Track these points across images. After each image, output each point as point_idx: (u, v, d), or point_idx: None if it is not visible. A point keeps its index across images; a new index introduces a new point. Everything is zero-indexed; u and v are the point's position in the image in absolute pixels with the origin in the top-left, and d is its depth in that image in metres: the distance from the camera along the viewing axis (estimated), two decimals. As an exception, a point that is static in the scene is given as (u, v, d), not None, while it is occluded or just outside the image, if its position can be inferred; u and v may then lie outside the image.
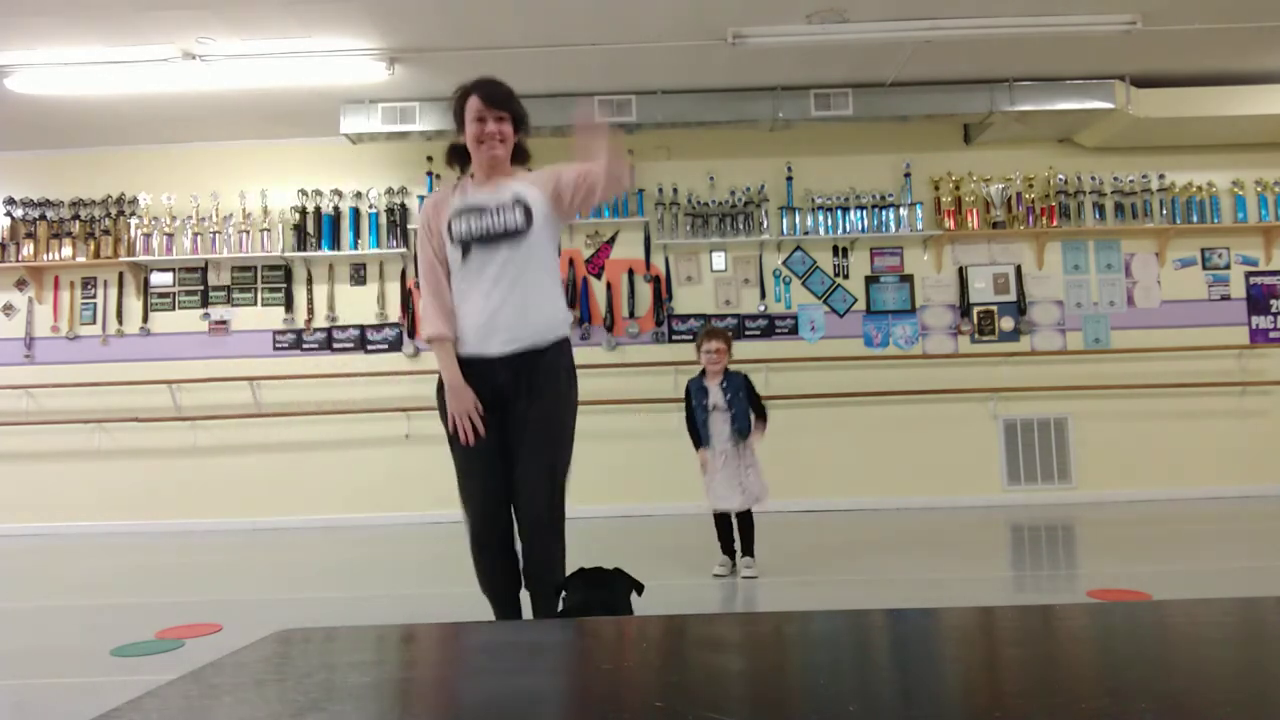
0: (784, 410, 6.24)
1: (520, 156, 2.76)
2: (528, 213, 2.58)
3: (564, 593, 2.56)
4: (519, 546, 2.70)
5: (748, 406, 4.11)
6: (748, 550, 4.11)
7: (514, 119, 2.64)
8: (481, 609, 2.80)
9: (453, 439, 2.63)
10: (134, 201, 6.50)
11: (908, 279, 6.48)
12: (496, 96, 2.60)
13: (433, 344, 2.63)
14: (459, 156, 2.73)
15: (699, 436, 4.17)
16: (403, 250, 6.36)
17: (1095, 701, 0.85)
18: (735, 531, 4.14)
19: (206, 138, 6.46)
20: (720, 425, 4.10)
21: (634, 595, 2.58)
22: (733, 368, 4.22)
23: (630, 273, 6.43)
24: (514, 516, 2.67)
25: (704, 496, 4.17)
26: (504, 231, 2.55)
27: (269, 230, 6.42)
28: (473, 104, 2.58)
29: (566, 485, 2.68)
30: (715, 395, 4.11)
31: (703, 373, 4.19)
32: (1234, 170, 6.45)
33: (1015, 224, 6.39)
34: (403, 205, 6.42)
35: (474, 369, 2.57)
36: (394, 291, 6.48)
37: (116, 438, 6.40)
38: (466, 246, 2.57)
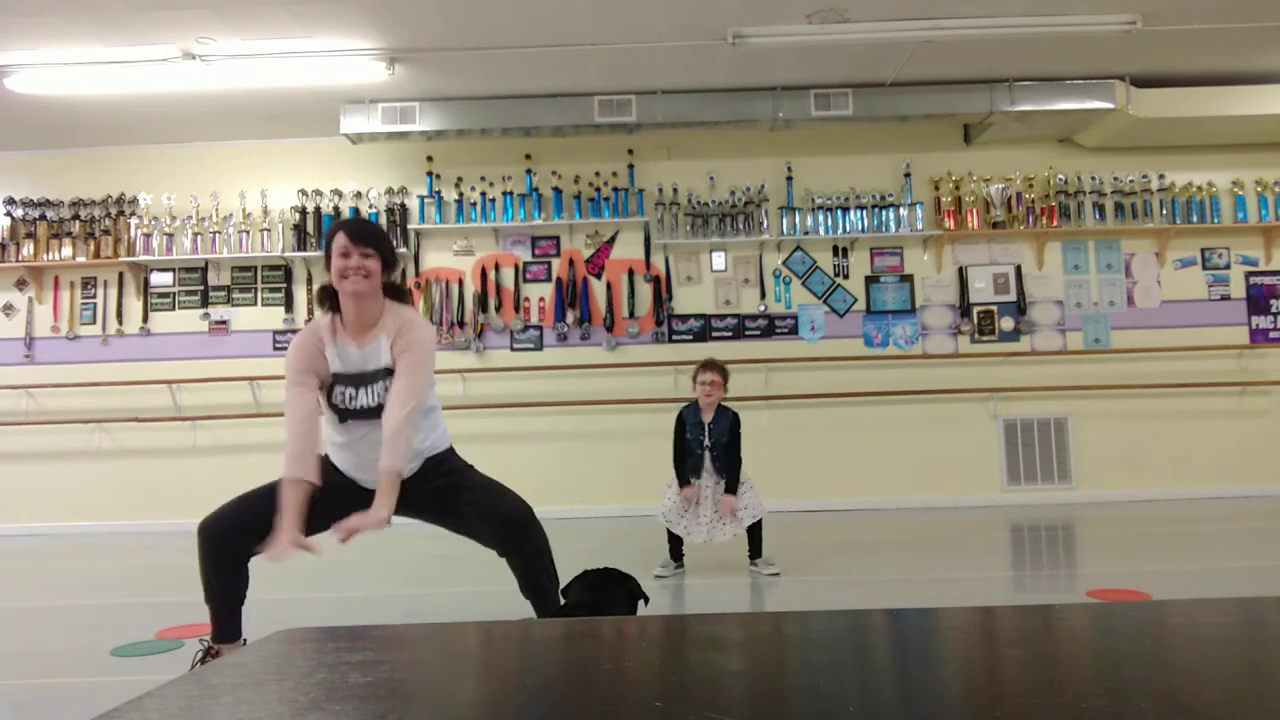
0: (784, 410, 6.25)
1: (396, 295, 2.68)
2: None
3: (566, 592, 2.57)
4: (515, 560, 2.68)
5: (728, 453, 4.06)
6: (757, 552, 4.11)
7: (382, 258, 2.56)
8: (481, 610, 2.80)
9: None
10: (134, 201, 6.50)
11: (908, 279, 6.48)
12: (363, 233, 2.55)
13: (287, 481, 2.44)
14: (328, 297, 2.62)
15: (684, 470, 4.13)
16: (403, 250, 6.35)
17: (1095, 701, 0.85)
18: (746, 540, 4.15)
19: (206, 138, 6.46)
20: (706, 463, 4.10)
21: (640, 604, 2.59)
22: (729, 403, 4.21)
23: (630, 273, 6.42)
24: (497, 537, 2.67)
25: (661, 514, 4.13)
26: (377, 409, 2.55)
27: (269, 230, 6.42)
28: (338, 240, 2.52)
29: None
30: (702, 434, 4.10)
31: (697, 403, 4.19)
32: (1234, 170, 6.45)
33: (1015, 224, 6.39)
34: (403, 205, 6.42)
35: (351, 489, 2.59)
36: (394, 291, 6.47)
37: (116, 438, 6.40)
38: (342, 416, 2.59)
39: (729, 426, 4.10)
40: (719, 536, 4.07)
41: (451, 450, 2.78)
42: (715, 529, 4.06)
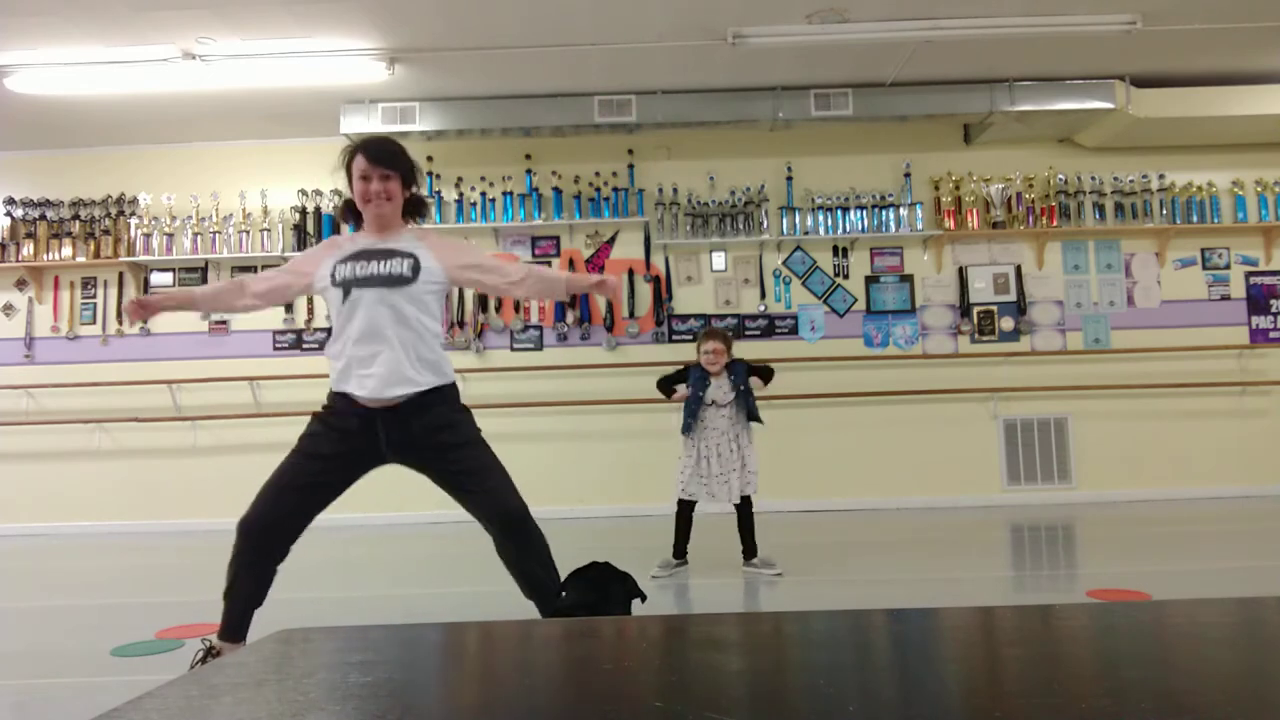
0: (784, 410, 6.24)
1: (416, 209, 2.76)
2: (415, 267, 2.59)
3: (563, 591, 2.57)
4: (510, 556, 2.67)
5: (749, 396, 4.13)
6: (752, 552, 4.11)
7: (402, 177, 2.63)
8: (481, 610, 2.80)
9: (302, 449, 2.62)
10: (134, 201, 6.50)
11: (908, 279, 6.48)
12: (382, 155, 2.60)
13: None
14: (352, 213, 2.73)
15: (668, 392, 4.21)
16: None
17: (1095, 701, 0.84)
18: (736, 531, 4.15)
19: (206, 138, 6.46)
20: (716, 420, 4.10)
21: (636, 601, 2.59)
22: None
23: (630, 273, 6.43)
24: (492, 529, 2.65)
25: (677, 488, 4.15)
26: (388, 277, 2.56)
27: (269, 230, 6.42)
28: (358, 162, 2.59)
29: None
30: (715, 392, 4.11)
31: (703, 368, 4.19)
32: (1234, 170, 6.45)
33: (1015, 224, 6.39)
34: (403, 205, 6.42)
35: (353, 417, 2.57)
36: (394, 291, 6.48)
37: (116, 438, 6.40)
38: (347, 289, 2.58)
39: (743, 372, 4.15)
40: (730, 495, 4.06)
41: (456, 390, 2.70)
42: (725, 486, 4.05)
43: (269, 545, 2.58)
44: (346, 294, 2.58)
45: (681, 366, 4.29)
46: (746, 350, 6.22)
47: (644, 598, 2.60)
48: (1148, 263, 6.47)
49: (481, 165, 6.43)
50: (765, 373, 4.21)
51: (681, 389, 4.18)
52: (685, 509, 4.17)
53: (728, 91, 5.89)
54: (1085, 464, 6.33)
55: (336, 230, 6.40)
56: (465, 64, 5.36)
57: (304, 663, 1.06)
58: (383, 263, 2.58)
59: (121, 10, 4.55)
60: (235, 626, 2.59)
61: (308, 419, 2.70)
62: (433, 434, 2.60)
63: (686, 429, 4.14)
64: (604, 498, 6.18)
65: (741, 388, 4.11)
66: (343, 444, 2.60)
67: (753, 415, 4.12)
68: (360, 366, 2.56)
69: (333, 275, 2.61)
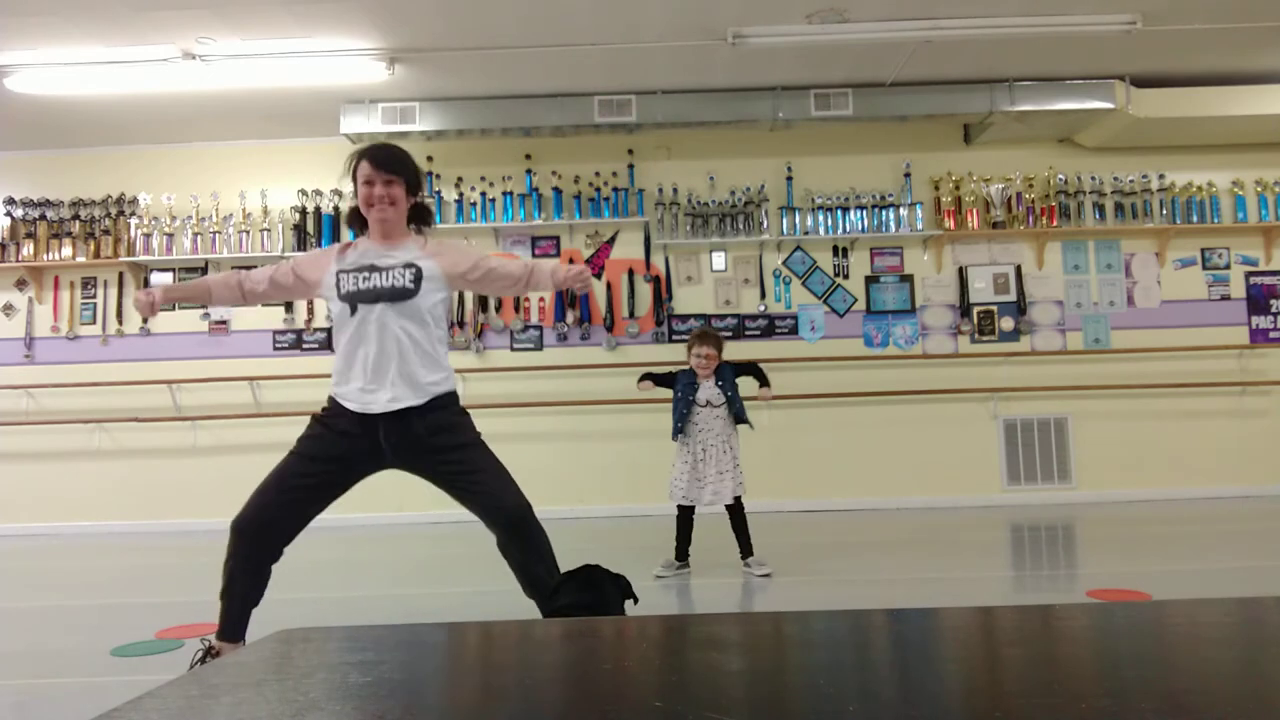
0: (784, 410, 6.25)
1: (420, 217, 2.77)
2: (418, 277, 2.60)
3: (556, 591, 2.57)
4: (513, 555, 2.67)
5: (738, 393, 4.15)
6: (748, 550, 4.11)
7: (406, 183, 2.65)
8: (481, 610, 2.79)
9: (301, 451, 2.64)
10: (134, 201, 6.50)
11: (908, 279, 6.48)
12: (386, 160, 2.63)
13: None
14: (357, 220, 2.74)
15: (651, 379, 4.19)
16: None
17: (1095, 701, 0.84)
18: (732, 532, 4.14)
19: (206, 138, 6.46)
20: (710, 421, 4.11)
21: (629, 602, 2.59)
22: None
23: (630, 273, 6.42)
24: (494, 528, 2.65)
25: (673, 494, 4.14)
26: (391, 290, 2.57)
27: (269, 230, 6.42)
28: (362, 168, 2.62)
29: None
30: (708, 393, 4.12)
31: (694, 371, 4.20)
32: (1234, 170, 6.45)
33: (1015, 224, 6.39)
34: (403, 205, 6.41)
35: (353, 421, 2.59)
36: (394, 291, 6.47)
37: (116, 438, 6.40)
38: (353, 304, 2.59)
39: (730, 374, 4.16)
40: (724, 495, 4.06)
41: (456, 394, 2.71)
42: (721, 486, 4.05)
43: (263, 545, 2.58)
44: (353, 309, 2.59)
45: (671, 371, 4.28)
46: (747, 351, 6.25)
47: (636, 600, 2.60)
48: (1148, 263, 6.47)
49: (481, 165, 6.43)
50: (756, 372, 4.21)
51: (650, 383, 4.17)
52: (685, 513, 4.17)
53: (728, 91, 5.89)
54: (1085, 464, 6.33)
55: (336, 231, 6.41)
56: (465, 64, 5.36)
57: (304, 663, 1.06)
58: (385, 275, 2.59)
59: (121, 10, 4.55)
60: (233, 626, 2.59)
61: (307, 419, 2.69)
62: (433, 436, 2.61)
63: (678, 433, 4.15)
64: (604, 498, 6.18)
65: (729, 393, 4.12)
66: (342, 446, 2.60)
67: (740, 418, 4.14)
68: (366, 383, 2.58)
69: (338, 286, 2.62)
